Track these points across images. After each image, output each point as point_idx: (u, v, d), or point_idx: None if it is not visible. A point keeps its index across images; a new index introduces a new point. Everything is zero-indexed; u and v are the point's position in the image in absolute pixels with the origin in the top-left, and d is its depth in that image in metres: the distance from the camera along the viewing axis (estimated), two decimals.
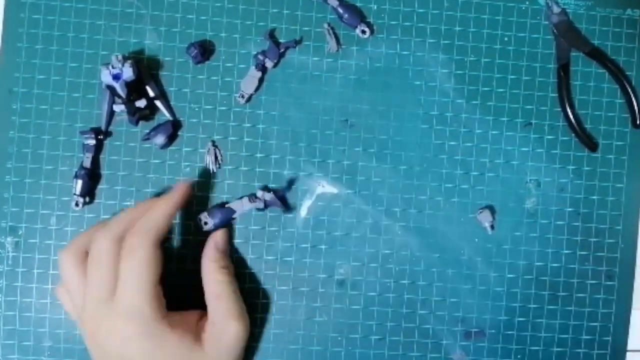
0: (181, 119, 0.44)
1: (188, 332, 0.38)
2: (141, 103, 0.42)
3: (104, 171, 0.44)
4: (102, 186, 0.44)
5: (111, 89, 0.41)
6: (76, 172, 0.43)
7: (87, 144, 0.43)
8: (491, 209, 0.45)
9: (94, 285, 0.37)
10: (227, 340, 0.39)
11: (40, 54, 0.44)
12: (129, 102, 0.41)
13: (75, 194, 0.43)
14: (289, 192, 0.44)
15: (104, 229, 0.38)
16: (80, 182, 0.42)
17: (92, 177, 0.43)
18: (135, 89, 0.42)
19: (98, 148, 0.44)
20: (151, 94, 0.43)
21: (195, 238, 0.44)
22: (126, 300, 0.36)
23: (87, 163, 0.43)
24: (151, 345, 0.36)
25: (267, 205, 0.43)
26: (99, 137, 0.43)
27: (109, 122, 0.43)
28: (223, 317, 0.39)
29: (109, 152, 0.44)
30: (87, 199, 0.43)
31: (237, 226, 0.44)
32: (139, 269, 0.37)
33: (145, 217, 0.38)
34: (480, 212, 0.44)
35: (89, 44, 0.44)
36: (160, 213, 0.39)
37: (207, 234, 0.43)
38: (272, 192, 0.43)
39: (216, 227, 0.43)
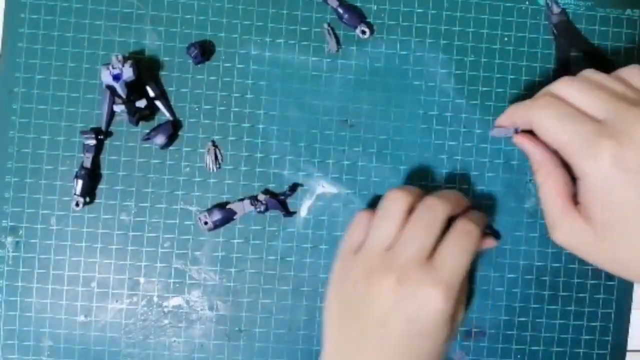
0: (181, 119, 0.44)
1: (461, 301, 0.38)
2: (141, 103, 0.42)
3: (104, 171, 0.44)
4: (102, 186, 0.44)
5: (111, 89, 0.41)
6: (77, 173, 0.43)
7: (88, 144, 0.43)
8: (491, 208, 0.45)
9: (419, 243, 0.36)
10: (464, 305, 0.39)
11: (40, 54, 0.44)
12: (129, 102, 0.41)
13: (75, 194, 0.43)
14: (290, 198, 0.44)
15: (441, 201, 0.38)
16: (80, 182, 0.42)
17: (92, 177, 0.43)
18: (135, 89, 0.42)
19: (98, 148, 0.44)
20: (151, 94, 0.43)
21: (194, 238, 0.44)
22: (448, 273, 0.35)
23: (88, 163, 0.43)
24: (445, 321, 0.35)
25: (268, 208, 0.44)
26: (99, 137, 0.43)
27: (109, 122, 0.43)
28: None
29: (109, 152, 0.44)
30: (88, 199, 0.43)
31: (237, 226, 0.44)
32: (467, 250, 0.36)
33: (477, 211, 0.41)
34: None
35: (89, 44, 0.44)
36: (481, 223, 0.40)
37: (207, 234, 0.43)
38: (274, 197, 0.44)
39: (216, 227, 0.43)
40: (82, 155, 0.43)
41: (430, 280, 0.35)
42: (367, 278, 0.36)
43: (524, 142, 0.37)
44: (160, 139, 0.43)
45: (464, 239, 0.37)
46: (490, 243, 0.42)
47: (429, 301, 0.35)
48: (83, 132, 0.43)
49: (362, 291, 0.36)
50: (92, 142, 0.43)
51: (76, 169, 0.43)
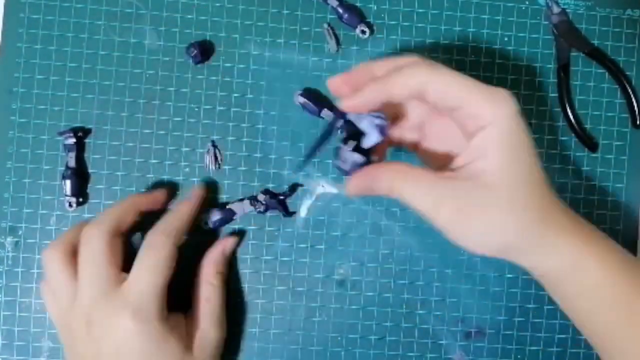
0: (181, 118, 0.44)
1: (182, 335, 0.38)
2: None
3: (104, 171, 0.44)
4: (100, 186, 0.44)
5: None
6: (63, 173, 0.43)
7: (68, 144, 0.43)
8: None
9: (91, 282, 0.36)
10: (210, 345, 0.40)
11: (39, 54, 0.44)
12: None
13: (66, 195, 0.42)
14: (290, 198, 0.44)
15: (95, 226, 0.38)
16: (68, 182, 0.42)
17: (80, 177, 0.43)
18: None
19: (80, 147, 0.43)
20: None
21: (194, 238, 0.44)
22: (136, 295, 0.36)
23: (72, 163, 0.43)
24: (153, 345, 0.36)
25: (267, 208, 0.44)
26: (79, 135, 0.43)
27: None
28: (209, 321, 0.40)
29: (108, 152, 0.44)
30: (81, 200, 0.43)
31: (237, 226, 0.44)
32: (156, 267, 0.37)
33: (169, 217, 0.40)
34: None
35: (89, 44, 0.44)
36: (184, 215, 0.40)
37: (206, 233, 0.43)
38: (274, 198, 0.43)
39: (215, 227, 0.43)
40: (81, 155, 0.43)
41: (113, 309, 0.35)
42: (70, 334, 0.37)
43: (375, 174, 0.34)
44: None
45: (147, 253, 0.37)
46: (227, 243, 0.42)
47: (118, 330, 0.35)
48: (61, 132, 0.43)
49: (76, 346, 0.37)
50: (72, 140, 0.42)
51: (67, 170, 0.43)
